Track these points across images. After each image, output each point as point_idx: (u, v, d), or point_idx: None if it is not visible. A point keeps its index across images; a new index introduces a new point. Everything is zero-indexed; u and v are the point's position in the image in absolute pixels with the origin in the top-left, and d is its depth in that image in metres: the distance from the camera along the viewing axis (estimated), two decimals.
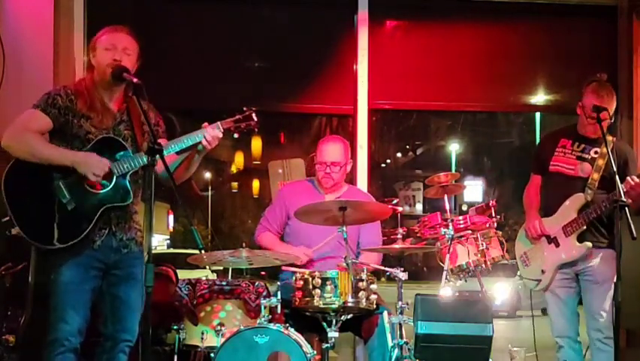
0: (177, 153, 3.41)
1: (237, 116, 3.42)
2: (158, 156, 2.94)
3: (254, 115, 3.43)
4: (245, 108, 3.45)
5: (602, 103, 3.90)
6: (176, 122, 5.40)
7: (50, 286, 3.22)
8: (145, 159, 3.21)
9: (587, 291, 4.03)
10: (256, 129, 3.46)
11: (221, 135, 3.36)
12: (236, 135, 3.42)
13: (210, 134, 3.33)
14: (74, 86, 3.33)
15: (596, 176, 3.97)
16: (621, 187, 3.60)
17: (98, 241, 3.24)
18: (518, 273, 4.41)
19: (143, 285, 3.29)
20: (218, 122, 3.39)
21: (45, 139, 3.24)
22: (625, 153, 4.06)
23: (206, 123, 3.36)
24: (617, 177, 3.61)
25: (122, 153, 3.26)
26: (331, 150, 4.14)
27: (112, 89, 3.33)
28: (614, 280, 3.89)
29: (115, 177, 3.21)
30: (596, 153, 4.03)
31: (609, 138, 3.92)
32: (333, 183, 4.15)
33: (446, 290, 4.06)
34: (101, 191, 3.20)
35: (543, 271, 4.10)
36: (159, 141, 3.35)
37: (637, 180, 3.81)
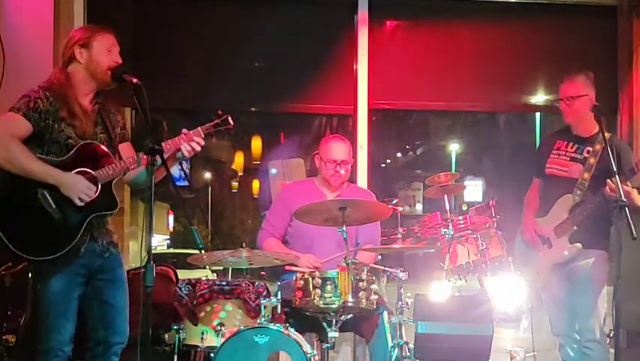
0: None
1: (216, 121, 3.39)
2: (157, 156, 2.93)
3: (230, 119, 3.40)
4: (220, 112, 3.42)
5: (563, 87, 4.06)
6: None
7: (38, 295, 3.17)
8: (129, 165, 3.19)
9: (576, 292, 4.02)
10: (233, 131, 3.44)
11: (202, 142, 3.32)
12: (214, 140, 3.43)
13: (192, 143, 3.28)
14: (49, 86, 3.19)
15: (586, 175, 3.95)
16: (621, 187, 3.59)
17: (82, 248, 3.18)
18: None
19: (127, 285, 3.33)
20: (199, 128, 3.34)
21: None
22: (619, 150, 4.02)
23: (185, 130, 3.31)
24: (617, 177, 3.59)
25: (104, 159, 3.19)
26: (341, 149, 4.16)
27: (93, 89, 3.27)
28: (602, 283, 3.92)
29: (100, 185, 3.16)
30: (588, 152, 4.02)
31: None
32: (341, 182, 4.16)
33: (440, 288, 4.06)
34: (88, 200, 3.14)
35: (538, 273, 4.11)
36: (124, 143, 3.36)
37: (612, 184, 3.68)
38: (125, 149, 3.37)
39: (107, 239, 3.31)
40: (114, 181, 3.22)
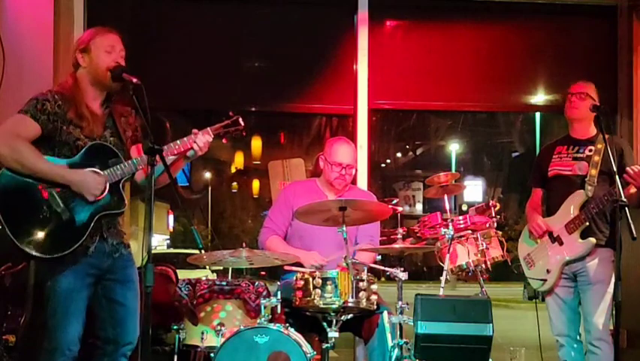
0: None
1: (226, 122, 3.39)
2: (157, 156, 2.93)
3: (240, 120, 3.40)
4: (231, 113, 3.43)
5: (575, 85, 4.12)
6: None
7: (47, 293, 3.17)
8: (137, 165, 3.19)
9: (582, 292, 4.05)
10: (244, 134, 3.44)
11: (211, 140, 3.32)
12: (224, 141, 3.40)
13: (202, 139, 3.29)
14: (59, 90, 3.23)
15: (593, 172, 4.00)
16: (620, 186, 3.60)
17: (91, 247, 3.19)
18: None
19: (139, 285, 3.28)
20: (208, 128, 3.35)
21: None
22: (620, 146, 4.09)
23: (195, 130, 3.32)
24: (617, 176, 3.61)
25: (113, 159, 3.21)
26: (347, 152, 4.12)
27: (101, 92, 3.28)
28: (609, 282, 3.92)
29: (108, 185, 3.17)
30: (590, 150, 4.06)
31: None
32: (345, 185, 4.15)
33: (440, 289, 4.05)
34: (96, 200, 3.15)
35: (548, 271, 4.10)
36: (137, 145, 3.35)
37: (636, 168, 3.81)
38: (137, 151, 3.37)
39: (118, 240, 3.31)
40: (122, 181, 3.22)
